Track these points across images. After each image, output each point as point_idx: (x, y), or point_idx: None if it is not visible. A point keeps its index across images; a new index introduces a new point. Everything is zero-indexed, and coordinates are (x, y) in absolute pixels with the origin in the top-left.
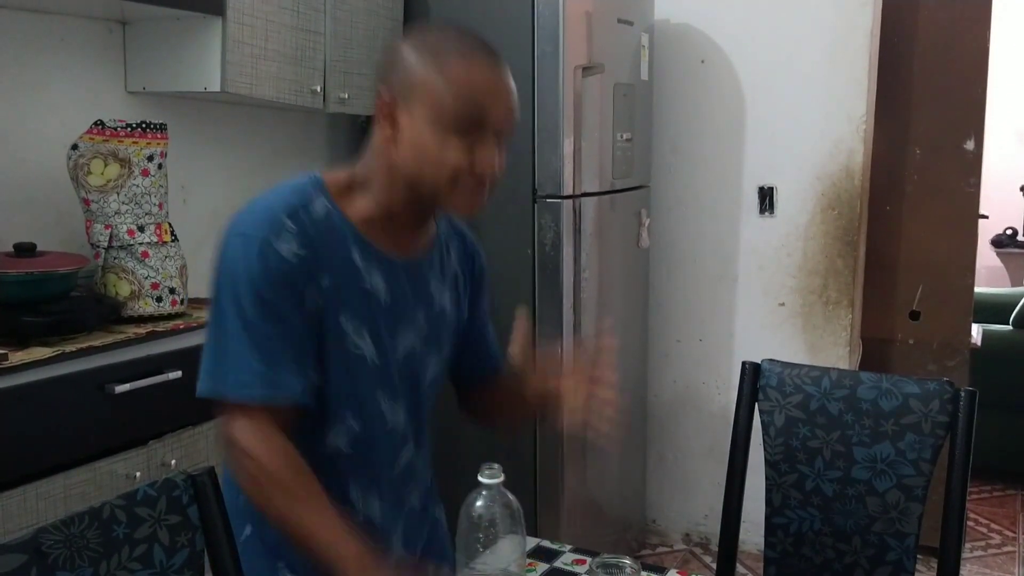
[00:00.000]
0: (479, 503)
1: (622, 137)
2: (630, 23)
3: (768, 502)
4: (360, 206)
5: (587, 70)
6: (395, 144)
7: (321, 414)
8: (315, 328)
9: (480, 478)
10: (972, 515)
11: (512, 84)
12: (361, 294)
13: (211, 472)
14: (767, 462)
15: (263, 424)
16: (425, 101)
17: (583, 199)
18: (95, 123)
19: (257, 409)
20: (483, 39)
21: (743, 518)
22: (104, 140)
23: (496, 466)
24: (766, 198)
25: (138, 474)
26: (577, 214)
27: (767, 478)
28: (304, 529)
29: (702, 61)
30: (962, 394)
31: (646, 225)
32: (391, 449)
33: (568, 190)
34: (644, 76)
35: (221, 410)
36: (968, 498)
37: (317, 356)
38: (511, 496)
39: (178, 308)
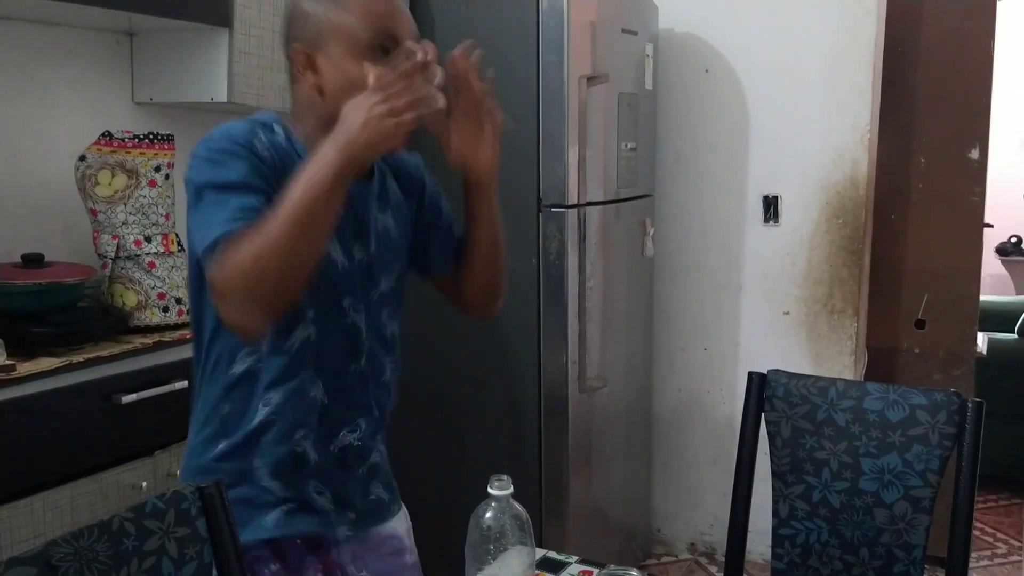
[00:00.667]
0: (488, 514)
1: (626, 146)
2: (634, 33)
3: (775, 513)
4: (308, 144)
5: (592, 80)
6: (323, 88)
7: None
8: None
9: (490, 489)
10: (978, 524)
11: (403, 3)
12: None
13: (219, 484)
14: (774, 473)
15: None
16: (339, 40)
17: (588, 208)
18: (103, 134)
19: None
20: None
21: (749, 528)
22: (112, 151)
23: (505, 477)
24: (770, 207)
25: (144, 484)
26: (582, 223)
27: (774, 489)
28: (294, 204)
29: (706, 70)
30: (969, 405)
31: (651, 234)
32: (348, 345)
33: (573, 199)
34: (648, 85)
35: (211, 261)
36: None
37: None
38: (520, 507)
39: (184, 318)
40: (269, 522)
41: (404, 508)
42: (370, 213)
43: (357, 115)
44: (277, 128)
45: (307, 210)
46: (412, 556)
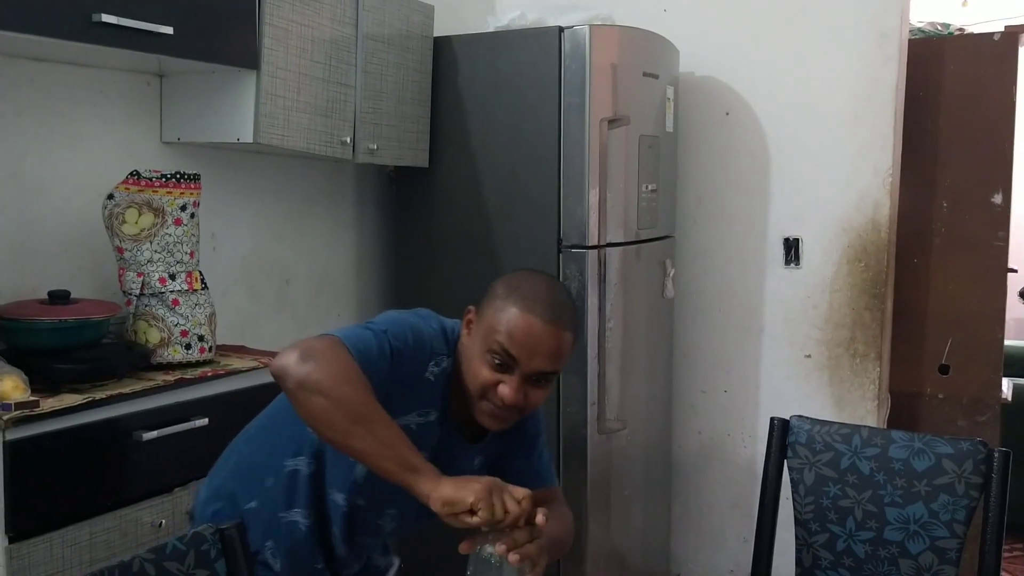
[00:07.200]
0: (489, 548)
1: (647, 188)
2: (655, 76)
3: (798, 562)
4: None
5: (613, 122)
6: (464, 347)
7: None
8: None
9: None
10: (1004, 574)
11: (561, 341)
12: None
13: (239, 526)
14: (797, 520)
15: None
16: (484, 326)
17: (608, 249)
18: (131, 173)
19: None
20: (562, 295)
21: (772, 574)
22: (139, 190)
23: None
24: (791, 249)
25: (163, 522)
26: (602, 264)
27: (797, 537)
28: (377, 444)
29: (727, 113)
30: (996, 455)
31: (671, 275)
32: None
33: (593, 240)
34: (669, 128)
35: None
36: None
37: None
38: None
39: (206, 355)
40: None
41: (397, 560)
42: (462, 464)
43: (448, 490)
44: (445, 362)
45: (366, 438)
46: None
